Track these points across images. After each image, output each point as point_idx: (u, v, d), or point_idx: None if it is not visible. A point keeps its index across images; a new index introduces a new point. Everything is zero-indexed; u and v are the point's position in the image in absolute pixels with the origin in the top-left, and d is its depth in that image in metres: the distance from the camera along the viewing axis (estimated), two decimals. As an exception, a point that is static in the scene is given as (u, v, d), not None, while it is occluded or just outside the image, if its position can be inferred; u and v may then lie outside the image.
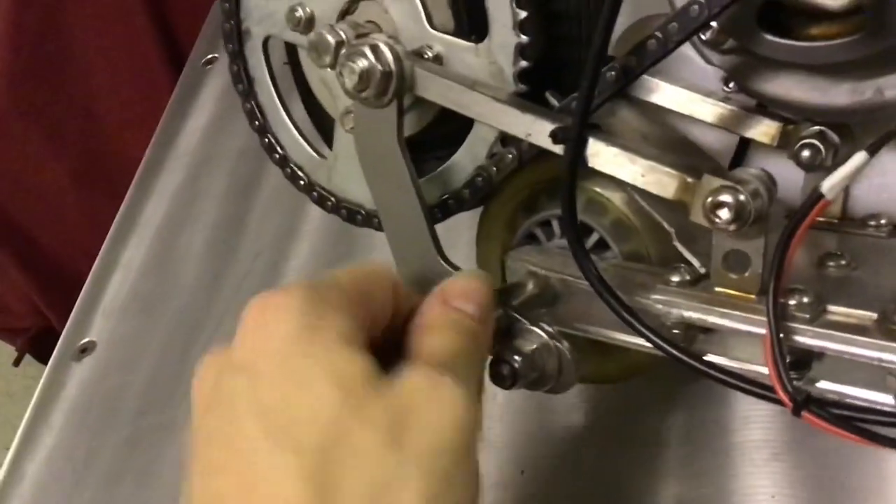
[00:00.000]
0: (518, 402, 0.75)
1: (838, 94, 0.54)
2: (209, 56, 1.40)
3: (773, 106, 0.59)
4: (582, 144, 0.53)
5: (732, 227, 0.49)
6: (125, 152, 1.92)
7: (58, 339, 1.07)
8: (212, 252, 1.08)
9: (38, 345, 2.09)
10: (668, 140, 0.68)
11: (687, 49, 0.61)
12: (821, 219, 0.62)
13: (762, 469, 0.64)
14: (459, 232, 0.73)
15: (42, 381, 1.01)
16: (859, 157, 0.49)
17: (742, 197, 0.49)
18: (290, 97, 0.73)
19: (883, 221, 0.61)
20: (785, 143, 0.62)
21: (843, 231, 0.62)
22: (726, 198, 0.49)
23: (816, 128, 0.60)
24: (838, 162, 0.60)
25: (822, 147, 0.59)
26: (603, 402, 0.73)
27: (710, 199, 0.49)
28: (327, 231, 1.02)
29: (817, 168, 0.61)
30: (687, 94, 0.65)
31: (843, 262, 0.57)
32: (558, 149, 0.54)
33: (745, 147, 0.67)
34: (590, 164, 0.54)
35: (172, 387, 0.95)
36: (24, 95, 1.87)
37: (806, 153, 0.59)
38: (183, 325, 1.02)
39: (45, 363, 1.05)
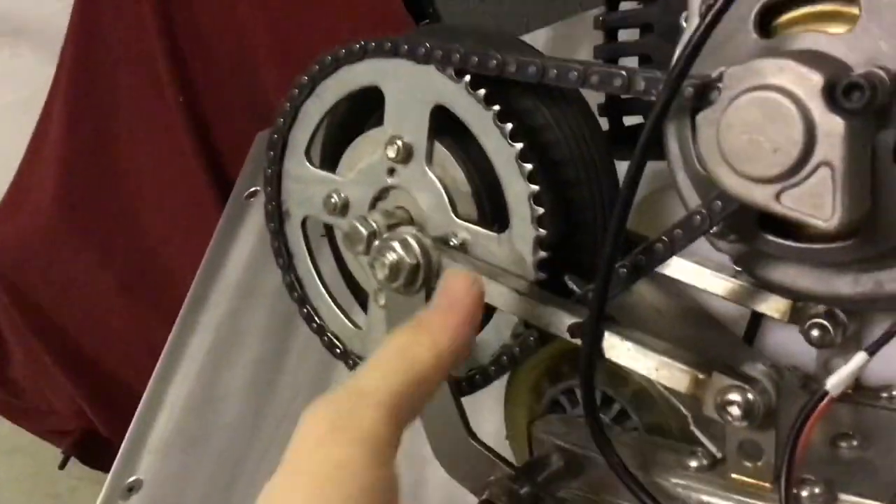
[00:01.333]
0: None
1: (840, 285, 0.57)
2: (251, 189, 1.47)
3: (779, 293, 0.62)
4: (598, 339, 0.56)
5: (742, 424, 0.52)
6: (169, 265, 2.00)
7: (102, 442, 1.11)
8: (252, 391, 1.12)
9: (83, 447, 2.14)
10: (684, 312, 0.71)
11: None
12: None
13: None
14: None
15: (92, 519, 1.05)
16: (859, 357, 0.51)
17: (750, 396, 0.52)
18: (326, 266, 0.78)
19: (895, 393, 0.63)
20: (796, 319, 0.65)
21: (856, 402, 0.64)
22: (735, 397, 0.52)
23: (822, 308, 0.63)
24: (848, 338, 0.64)
25: (830, 327, 0.62)
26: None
27: (720, 398, 0.52)
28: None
29: (827, 345, 0.64)
30: (700, 270, 0.69)
31: (855, 444, 0.59)
32: (576, 341, 0.58)
33: (759, 316, 0.70)
34: (606, 356, 0.57)
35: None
36: (75, 209, 1.97)
37: (815, 332, 0.62)
38: (225, 463, 1.05)
39: (89, 465, 1.09)
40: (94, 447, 2.15)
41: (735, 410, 0.52)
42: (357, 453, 0.45)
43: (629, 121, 0.73)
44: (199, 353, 1.21)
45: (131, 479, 1.08)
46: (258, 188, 1.47)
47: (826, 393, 0.52)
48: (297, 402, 1.07)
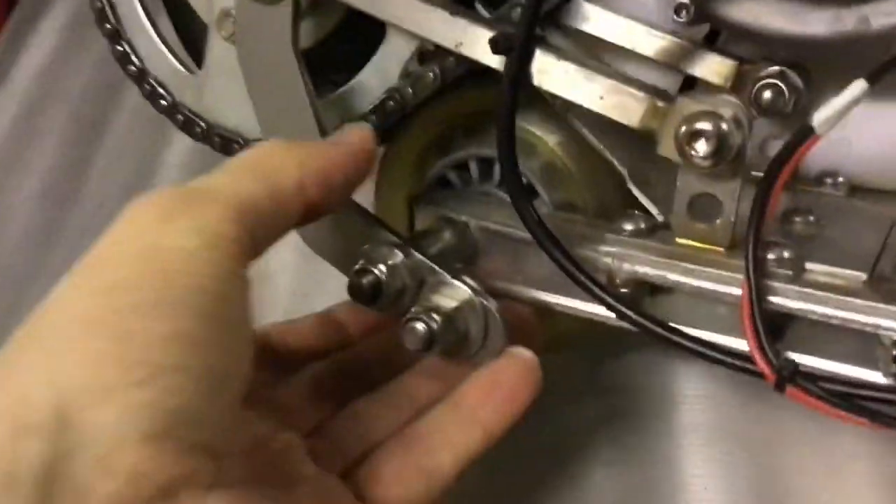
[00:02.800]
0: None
1: (816, 23, 0.46)
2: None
3: (737, 37, 0.51)
4: (528, 57, 0.43)
5: (710, 163, 0.41)
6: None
7: None
8: (45, 203, 0.92)
9: None
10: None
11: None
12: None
13: (694, 456, 0.56)
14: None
15: None
16: (857, 85, 0.41)
17: (724, 125, 0.40)
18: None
19: (840, 180, 0.55)
20: (740, 86, 0.54)
21: (797, 189, 0.55)
22: (705, 125, 0.40)
23: (777, 68, 0.52)
24: (798, 111, 0.54)
25: (785, 89, 0.52)
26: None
27: (685, 128, 0.41)
28: (189, 176, 0.88)
29: (776, 113, 0.53)
30: (629, 24, 0.56)
31: (811, 219, 0.49)
32: (497, 61, 0.44)
33: (691, 85, 0.60)
34: (536, 83, 0.44)
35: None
36: None
37: (767, 94, 0.51)
38: (7, 284, 0.86)
39: None
40: None
41: (702, 145, 0.40)
42: (194, 244, 0.35)
43: None
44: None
45: None
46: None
47: (811, 129, 0.41)
48: (101, 212, 0.88)
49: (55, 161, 0.96)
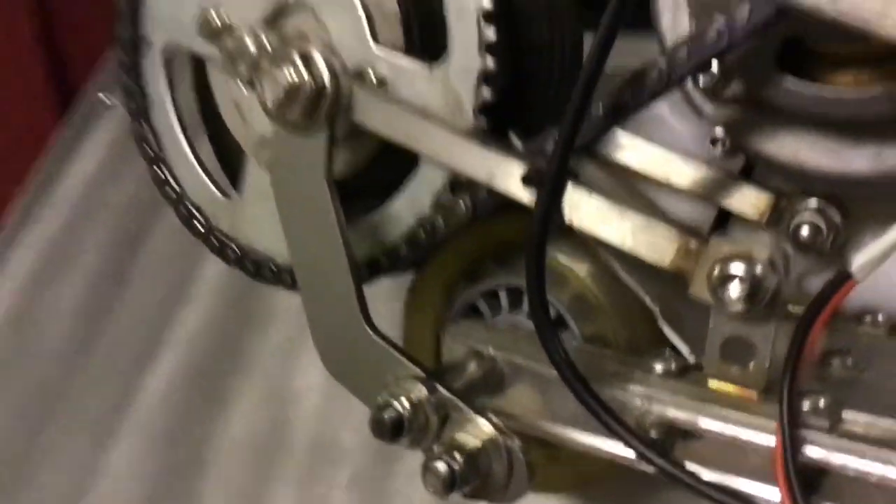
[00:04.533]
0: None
1: (857, 160, 0.46)
2: (104, 93, 1.26)
3: (773, 171, 0.50)
4: (559, 191, 0.43)
5: (742, 307, 0.40)
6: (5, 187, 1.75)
7: None
8: (84, 314, 0.93)
9: None
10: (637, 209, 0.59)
11: (664, 109, 0.53)
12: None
13: None
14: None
15: None
16: (897, 230, 0.40)
17: (759, 269, 0.39)
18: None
19: (880, 318, 0.53)
20: (776, 220, 0.53)
21: (835, 327, 0.53)
22: (738, 269, 0.39)
23: (815, 204, 0.51)
24: (835, 249, 0.52)
25: (823, 226, 0.51)
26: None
27: (718, 270, 0.40)
28: (220, 297, 0.89)
29: (815, 250, 0.52)
30: (664, 155, 0.56)
31: (849, 362, 0.47)
32: (528, 197, 0.44)
33: (721, 224, 0.59)
34: (567, 219, 0.43)
35: (17, 471, 0.78)
36: None
37: (805, 231, 0.50)
38: (38, 396, 0.86)
39: None
40: None
41: (735, 289, 0.39)
42: None
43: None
44: (20, 268, 1.01)
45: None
46: (112, 99, 1.27)
47: (848, 275, 0.40)
48: (138, 326, 0.89)
49: (94, 274, 0.98)
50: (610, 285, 0.52)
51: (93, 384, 0.85)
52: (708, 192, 0.54)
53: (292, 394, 0.77)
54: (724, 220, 0.57)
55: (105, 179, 1.11)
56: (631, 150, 0.55)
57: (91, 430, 0.80)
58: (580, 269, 0.53)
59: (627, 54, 0.52)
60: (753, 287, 0.39)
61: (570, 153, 0.42)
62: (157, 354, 0.86)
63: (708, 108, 0.48)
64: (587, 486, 0.57)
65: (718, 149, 0.52)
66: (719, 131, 0.50)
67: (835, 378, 0.46)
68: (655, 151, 0.55)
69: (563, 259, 0.53)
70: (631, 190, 0.58)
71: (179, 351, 0.86)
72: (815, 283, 0.53)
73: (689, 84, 0.47)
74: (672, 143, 0.56)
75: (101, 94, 1.18)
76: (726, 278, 0.39)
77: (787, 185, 0.52)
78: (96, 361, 0.87)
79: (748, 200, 0.53)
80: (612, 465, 0.46)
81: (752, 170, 0.54)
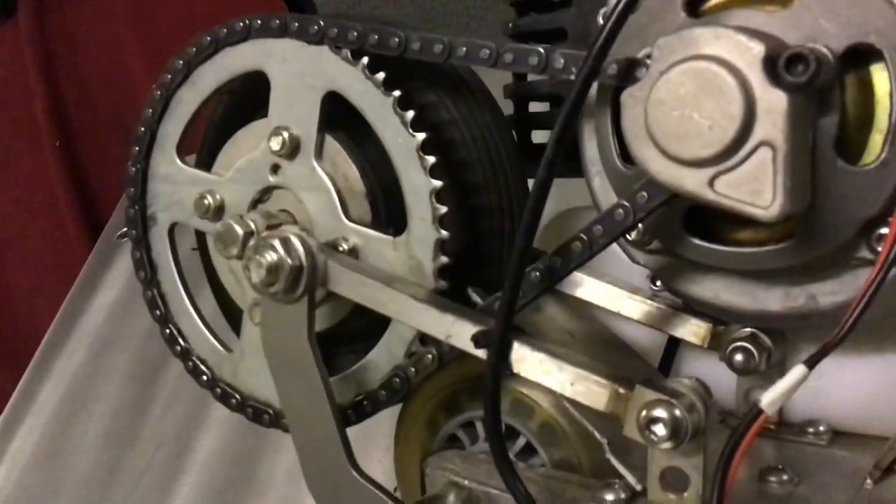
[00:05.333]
0: None
1: (770, 300, 0.52)
2: (125, 229, 1.35)
3: (702, 309, 0.56)
4: (506, 350, 0.49)
5: (668, 445, 0.45)
6: (33, 324, 1.83)
7: None
8: (109, 442, 1.00)
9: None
10: (596, 337, 0.65)
11: (612, 245, 0.59)
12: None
13: None
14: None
15: None
16: (798, 370, 0.45)
17: (678, 412, 0.45)
18: (199, 286, 0.69)
19: (822, 428, 0.58)
20: (716, 345, 0.60)
21: (781, 438, 0.58)
22: (660, 413, 0.45)
23: (748, 331, 0.58)
24: (772, 366, 0.58)
25: (755, 351, 0.57)
26: None
27: (644, 413, 0.46)
28: (236, 420, 0.95)
29: (750, 372, 0.58)
30: (613, 291, 0.63)
31: (786, 478, 0.53)
32: (480, 353, 0.50)
33: (675, 344, 0.65)
34: (514, 371, 0.50)
35: None
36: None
37: (739, 357, 0.57)
38: (71, 524, 0.92)
39: None
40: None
41: (660, 429, 0.45)
42: None
43: (538, 137, 0.68)
44: (49, 402, 1.08)
45: (-42, 543, 0.93)
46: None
47: (760, 411, 0.45)
48: (160, 452, 0.95)
49: (117, 403, 1.04)
50: (572, 415, 0.57)
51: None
52: (654, 322, 0.61)
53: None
54: (677, 341, 0.64)
55: (126, 310, 1.18)
56: (587, 287, 0.62)
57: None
58: (543, 400, 0.58)
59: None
60: (675, 427, 0.45)
61: (511, 316, 0.49)
62: (178, 480, 0.92)
63: (639, 256, 0.55)
64: None
65: (658, 286, 0.59)
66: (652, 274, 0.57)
67: (772, 494, 0.51)
68: (607, 288, 0.62)
69: (529, 392, 0.58)
70: (594, 321, 0.65)
71: (199, 475, 0.92)
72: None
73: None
74: (625, 277, 0.62)
75: (117, 236, 1.27)
76: (651, 420, 0.45)
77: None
78: (122, 490, 0.93)
79: (689, 329, 0.60)
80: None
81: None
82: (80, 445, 1.01)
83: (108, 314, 1.20)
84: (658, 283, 0.60)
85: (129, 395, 1.05)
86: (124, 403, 1.04)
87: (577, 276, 0.62)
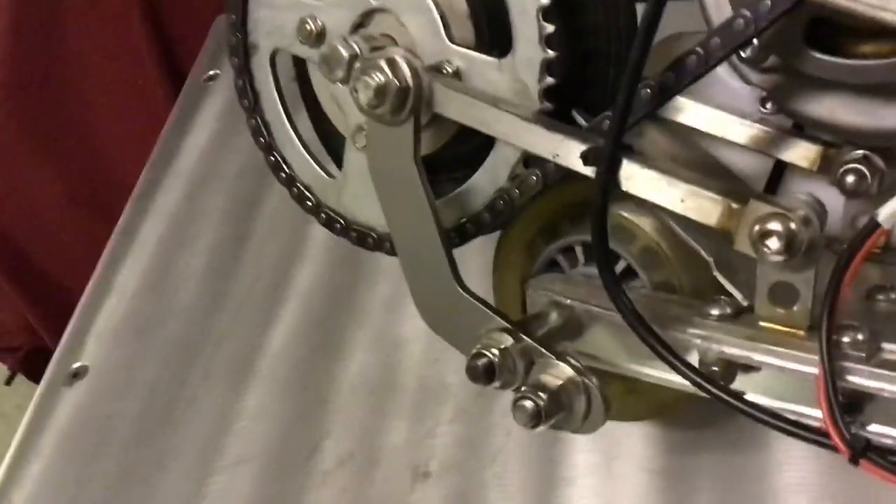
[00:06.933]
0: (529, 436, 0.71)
1: (888, 117, 0.50)
2: (211, 72, 1.36)
3: (816, 129, 0.55)
4: (615, 166, 0.49)
5: (782, 258, 0.46)
6: (122, 171, 1.88)
7: (50, 359, 1.02)
8: (210, 274, 1.04)
9: (31, 364, 2.04)
10: (699, 163, 0.64)
11: (720, 69, 0.58)
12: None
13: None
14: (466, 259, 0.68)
15: (32, 405, 0.96)
16: (920, 182, 0.45)
17: (793, 225, 0.45)
18: (298, 114, 0.70)
19: (932, 252, 0.57)
20: (826, 168, 0.58)
21: (889, 262, 0.58)
22: (776, 226, 0.45)
23: (861, 152, 0.56)
24: (884, 189, 0.57)
25: (867, 172, 0.56)
26: (626, 440, 0.69)
27: (757, 227, 0.46)
28: (331, 255, 0.98)
29: (862, 195, 0.57)
30: (720, 115, 0.61)
31: (894, 296, 0.53)
32: (589, 171, 0.51)
33: (779, 172, 0.64)
34: (624, 188, 0.50)
35: (166, 416, 0.90)
36: (21, 109, 1.83)
37: (851, 179, 0.56)
38: (178, 350, 0.97)
39: (38, 383, 1.01)
40: (43, 364, 2.04)
41: (774, 243, 0.45)
42: None
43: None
44: (151, 237, 1.12)
45: (76, 364, 0.99)
46: (218, 71, 1.36)
47: (877, 224, 0.45)
48: (259, 284, 0.99)
49: (216, 238, 1.08)
50: (673, 238, 0.58)
51: (224, 339, 0.96)
52: (762, 146, 0.60)
53: (401, 340, 0.86)
54: (782, 170, 0.63)
55: (217, 151, 1.21)
56: (691, 112, 0.61)
57: (226, 380, 0.91)
58: (646, 224, 0.58)
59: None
60: (789, 240, 0.45)
61: (622, 133, 0.48)
62: (278, 310, 0.96)
63: (752, 76, 0.54)
64: (662, 415, 0.64)
65: (768, 108, 0.58)
66: (766, 94, 0.55)
67: (880, 313, 0.52)
68: (713, 113, 0.61)
69: (631, 216, 0.59)
70: (696, 147, 0.64)
71: (297, 305, 0.95)
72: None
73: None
74: (732, 102, 0.61)
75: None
76: (765, 234, 0.45)
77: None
78: (225, 318, 0.98)
79: (799, 152, 0.59)
80: (682, 394, 0.53)
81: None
82: (181, 277, 1.05)
83: (200, 155, 1.22)
84: (768, 105, 0.59)
85: (227, 232, 1.08)
86: (223, 239, 1.08)
87: (681, 100, 0.61)
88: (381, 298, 0.91)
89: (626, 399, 0.63)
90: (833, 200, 0.58)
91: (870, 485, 0.61)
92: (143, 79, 1.80)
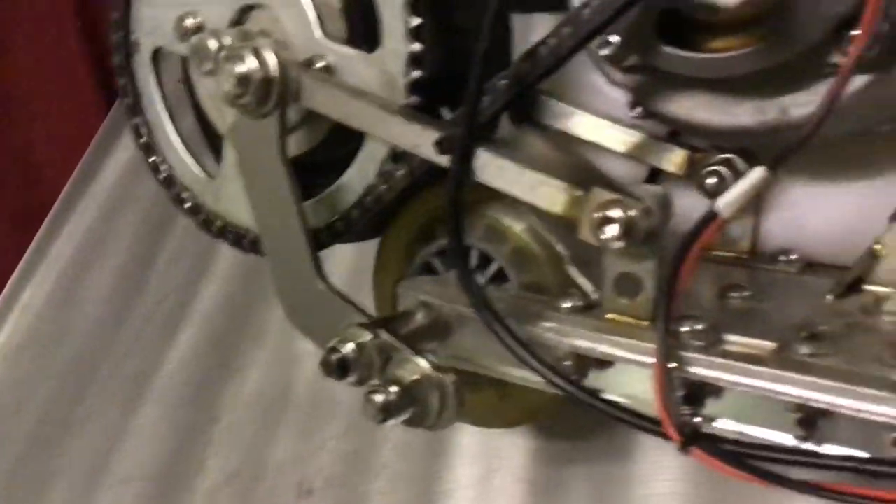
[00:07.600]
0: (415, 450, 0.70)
1: (742, 114, 0.51)
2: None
3: (678, 128, 0.56)
4: (469, 155, 0.49)
5: (620, 245, 0.45)
6: (52, 183, 1.85)
7: None
8: (117, 294, 1.03)
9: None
10: (576, 168, 0.64)
11: (594, 76, 0.58)
12: (730, 254, 0.59)
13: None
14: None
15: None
16: (757, 172, 0.45)
17: (632, 212, 0.45)
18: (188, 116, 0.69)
19: (793, 257, 0.58)
20: (693, 172, 0.59)
21: (752, 266, 0.58)
22: (615, 213, 0.45)
23: (724, 155, 0.57)
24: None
25: (726, 174, 0.56)
26: (507, 452, 0.68)
27: (597, 214, 0.46)
28: (238, 274, 0.97)
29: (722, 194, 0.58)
30: (594, 121, 0.62)
31: (747, 294, 0.53)
32: (445, 160, 0.50)
33: (654, 180, 0.64)
34: (477, 177, 0.50)
35: (57, 434, 0.88)
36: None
37: (710, 181, 0.56)
38: (77, 368, 0.96)
39: None
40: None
41: (612, 229, 0.45)
42: None
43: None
44: (62, 255, 1.11)
45: (-28, 382, 0.97)
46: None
47: (715, 214, 0.45)
48: (164, 303, 0.98)
49: (126, 258, 1.07)
50: (544, 239, 0.58)
51: (124, 358, 0.94)
52: (634, 152, 0.60)
53: (297, 357, 0.85)
54: (656, 175, 0.63)
55: (135, 173, 1.20)
56: (566, 118, 0.62)
57: (121, 399, 0.89)
58: (516, 226, 0.58)
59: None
60: (627, 227, 0.45)
61: (474, 120, 0.48)
62: (179, 329, 0.94)
63: (615, 75, 0.54)
64: (539, 418, 0.63)
65: (635, 112, 0.58)
66: (631, 96, 0.56)
67: (730, 308, 0.52)
68: (589, 119, 0.62)
69: (502, 218, 0.59)
70: (575, 154, 0.64)
71: (198, 324, 0.94)
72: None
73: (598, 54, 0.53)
74: (607, 108, 0.61)
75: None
76: (604, 220, 0.45)
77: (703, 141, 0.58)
78: (127, 336, 0.96)
79: (668, 157, 0.59)
80: (553, 396, 0.53)
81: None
82: (88, 296, 1.04)
83: (120, 175, 1.22)
84: (637, 110, 0.59)
85: (138, 251, 1.07)
86: (132, 259, 1.07)
87: (559, 106, 0.62)
88: (280, 316, 0.89)
89: (499, 405, 0.62)
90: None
91: (739, 493, 0.61)
92: (78, 98, 1.79)
